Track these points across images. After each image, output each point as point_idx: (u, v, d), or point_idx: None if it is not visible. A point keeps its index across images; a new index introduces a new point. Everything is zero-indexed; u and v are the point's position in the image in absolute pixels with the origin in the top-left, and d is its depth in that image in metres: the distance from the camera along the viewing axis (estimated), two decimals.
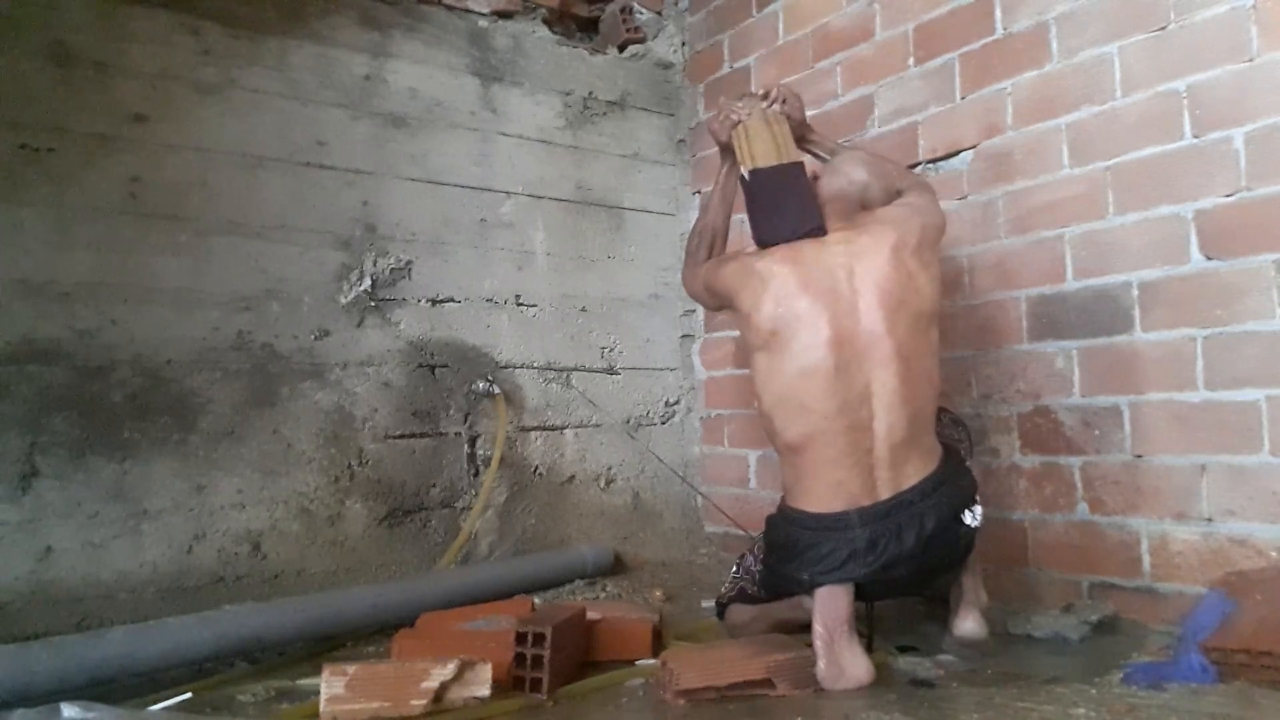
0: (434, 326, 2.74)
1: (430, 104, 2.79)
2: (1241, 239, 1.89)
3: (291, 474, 2.43)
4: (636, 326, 3.18)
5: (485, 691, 1.54)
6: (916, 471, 1.72)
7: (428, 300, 2.73)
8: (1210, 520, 1.92)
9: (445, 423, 2.72)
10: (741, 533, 2.88)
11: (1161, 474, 2.00)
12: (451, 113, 2.83)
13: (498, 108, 2.94)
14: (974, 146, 2.39)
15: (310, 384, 2.49)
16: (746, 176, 1.95)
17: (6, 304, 2.10)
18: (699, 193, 3.26)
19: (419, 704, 1.50)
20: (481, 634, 1.83)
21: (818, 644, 1.64)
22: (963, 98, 2.42)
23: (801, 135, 2.10)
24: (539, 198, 3.00)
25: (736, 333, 2.90)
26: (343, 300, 2.57)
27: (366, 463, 2.56)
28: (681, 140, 3.36)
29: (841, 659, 1.63)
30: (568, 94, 3.10)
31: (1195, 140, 1.97)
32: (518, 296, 2.92)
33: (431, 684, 1.51)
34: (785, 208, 1.85)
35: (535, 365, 2.93)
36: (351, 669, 1.51)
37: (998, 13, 2.34)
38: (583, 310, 3.06)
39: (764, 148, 1.95)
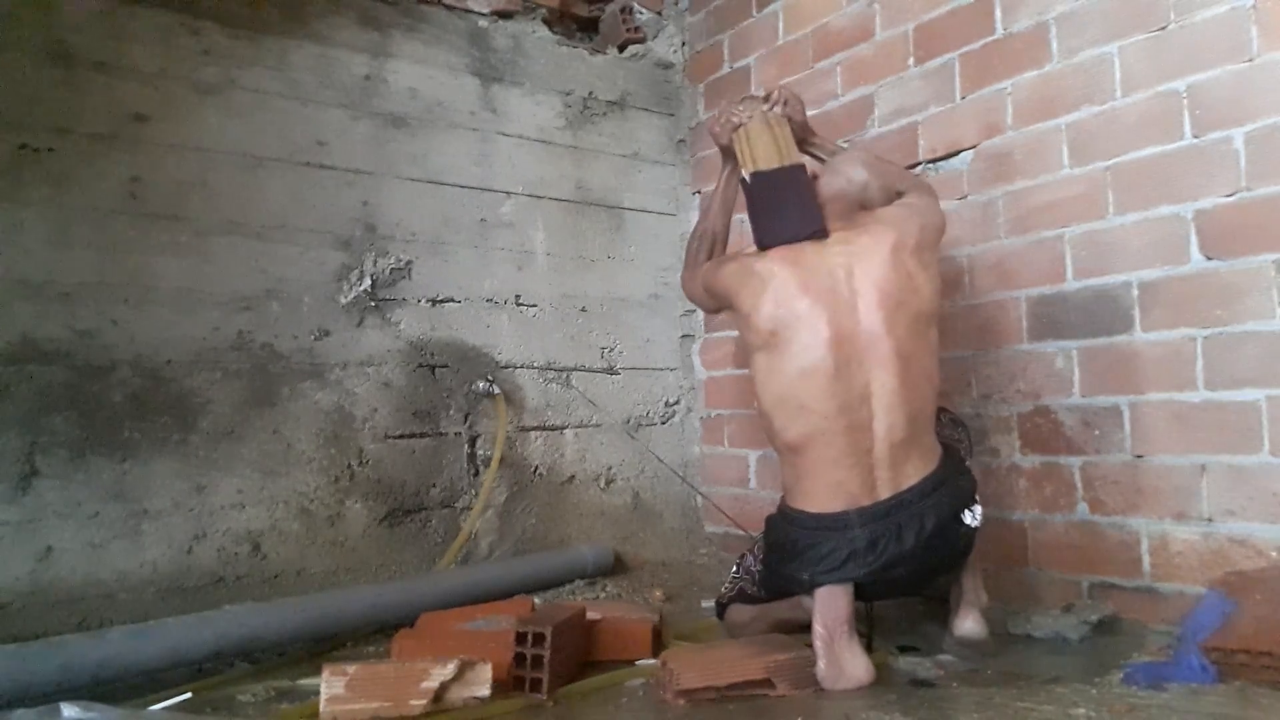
0: (434, 326, 2.74)
1: (430, 104, 2.79)
2: (1241, 239, 1.89)
3: (291, 474, 2.43)
4: (636, 326, 3.18)
5: (485, 691, 1.54)
6: (916, 471, 1.72)
7: (428, 300, 2.73)
8: (1210, 520, 1.92)
9: (445, 423, 2.72)
10: (741, 533, 2.88)
11: (1161, 474, 2.00)
12: (451, 113, 2.83)
13: (498, 108, 2.94)
14: (974, 146, 2.39)
15: (310, 384, 2.49)
16: (748, 179, 1.95)
17: (6, 304, 2.10)
18: (699, 193, 3.26)
19: (419, 704, 1.50)
20: (481, 634, 1.83)
21: (818, 644, 1.65)
22: (963, 98, 2.42)
23: (803, 138, 2.09)
24: (539, 198, 3.00)
25: (736, 333, 2.90)
26: (343, 300, 2.57)
27: (366, 463, 2.56)
28: (681, 140, 3.36)
29: (841, 659, 1.64)
30: (568, 94, 3.10)
31: (1195, 140, 1.97)
32: (518, 296, 2.92)
33: (431, 684, 1.51)
34: (787, 210, 1.85)
35: (535, 365, 2.93)
36: (351, 669, 1.51)
37: (998, 13, 2.34)
38: (583, 310, 3.06)
39: (765, 150, 1.95)
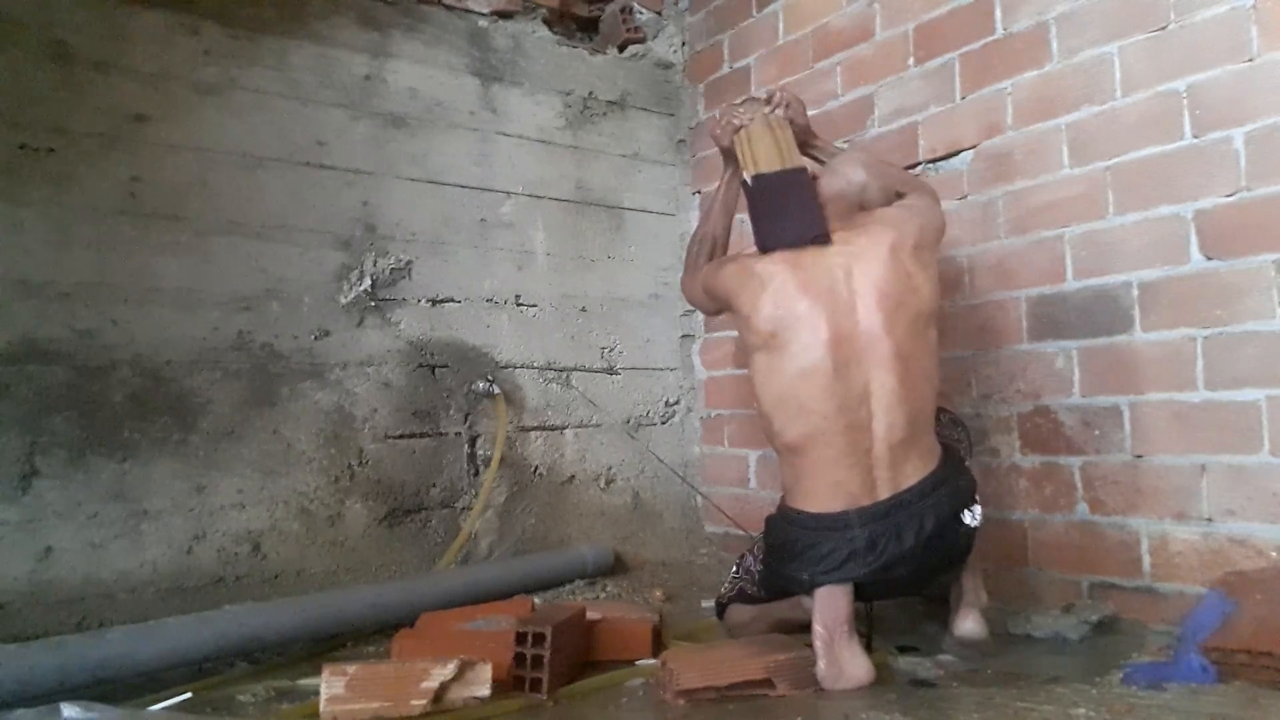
0: (434, 326, 2.74)
1: (430, 104, 2.79)
2: (1241, 239, 1.89)
3: (291, 474, 2.43)
4: (636, 326, 3.18)
5: (485, 691, 1.54)
6: (916, 471, 1.71)
7: (428, 300, 2.73)
8: (1210, 520, 1.92)
9: (445, 423, 2.72)
10: (741, 533, 2.88)
11: (1161, 474, 2.00)
12: (451, 113, 2.83)
13: (498, 108, 2.94)
14: (974, 146, 2.39)
15: (310, 384, 2.49)
16: (749, 181, 1.93)
17: (6, 304, 2.10)
18: (699, 193, 3.27)
19: (419, 704, 1.50)
20: (481, 634, 1.83)
21: (817, 644, 1.64)
22: (963, 98, 2.42)
23: (805, 140, 2.08)
24: (539, 198, 3.00)
25: (736, 333, 2.90)
26: (343, 300, 2.57)
27: (366, 463, 2.56)
28: (681, 140, 3.36)
29: (841, 659, 1.64)
30: (568, 94, 3.10)
31: (1195, 140, 1.97)
32: (518, 296, 2.92)
33: (431, 684, 1.51)
34: (788, 213, 1.84)
35: (535, 365, 2.93)
36: (351, 669, 1.51)
37: (998, 13, 2.34)
38: (583, 310, 3.06)
39: (767, 153, 1.94)
